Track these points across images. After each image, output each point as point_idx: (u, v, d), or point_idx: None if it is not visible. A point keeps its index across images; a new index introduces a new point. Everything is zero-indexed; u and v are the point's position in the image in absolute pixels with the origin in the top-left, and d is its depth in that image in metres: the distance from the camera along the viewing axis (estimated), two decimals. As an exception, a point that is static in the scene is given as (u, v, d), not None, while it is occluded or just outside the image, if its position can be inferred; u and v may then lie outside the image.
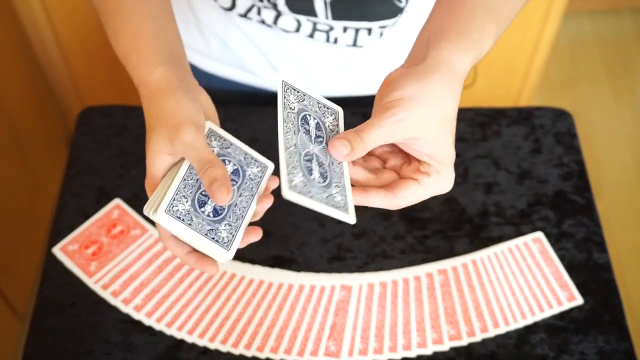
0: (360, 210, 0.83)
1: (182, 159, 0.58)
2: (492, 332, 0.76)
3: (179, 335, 0.75)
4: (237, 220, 0.59)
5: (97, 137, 0.91)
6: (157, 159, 0.58)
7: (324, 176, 0.55)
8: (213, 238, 0.57)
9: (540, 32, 1.54)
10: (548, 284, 0.79)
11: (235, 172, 0.60)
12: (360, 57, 0.86)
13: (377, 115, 0.55)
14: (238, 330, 0.75)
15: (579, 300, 0.78)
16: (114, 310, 0.77)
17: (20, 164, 1.49)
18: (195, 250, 0.59)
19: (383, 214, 0.84)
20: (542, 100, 1.97)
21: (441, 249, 0.82)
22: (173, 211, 0.56)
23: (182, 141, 0.56)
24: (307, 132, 0.57)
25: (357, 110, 0.95)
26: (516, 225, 0.84)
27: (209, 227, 0.57)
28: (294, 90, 0.58)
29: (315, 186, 0.54)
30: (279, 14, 0.77)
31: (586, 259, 0.82)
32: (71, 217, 0.84)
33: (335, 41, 0.80)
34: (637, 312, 1.63)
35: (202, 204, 0.58)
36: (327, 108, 0.60)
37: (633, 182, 1.88)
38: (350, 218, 0.55)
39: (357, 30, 0.79)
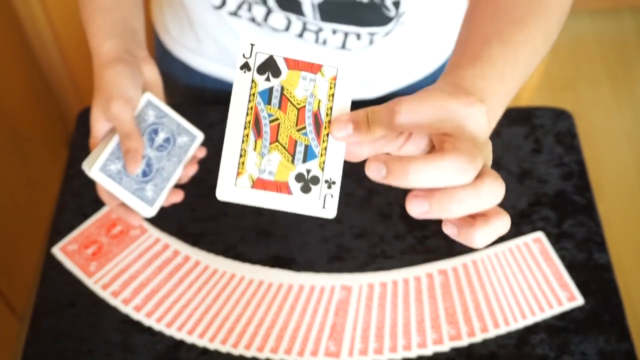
0: (360, 210, 0.83)
1: None
2: (492, 332, 0.76)
3: (178, 335, 0.75)
4: (162, 182, 0.70)
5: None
6: (97, 123, 0.68)
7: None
8: (139, 196, 0.68)
9: (540, 32, 1.54)
10: (548, 284, 0.79)
11: (166, 139, 0.70)
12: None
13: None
14: (238, 331, 0.75)
15: (579, 301, 0.78)
16: (114, 310, 0.77)
17: (20, 164, 1.49)
18: (124, 204, 0.70)
19: (383, 214, 0.84)
20: (543, 100, 1.97)
21: (441, 249, 0.82)
22: (105, 170, 0.66)
23: (110, 112, 0.66)
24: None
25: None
26: (516, 225, 0.84)
27: (136, 186, 0.68)
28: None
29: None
30: (269, 11, 0.77)
31: (587, 259, 0.82)
32: (71, 217, 0.84)
33: (324, 42, 0.80)
34: (637, 312, 1.63)
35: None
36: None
37: (633, 182, 1.88)
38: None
39: (346, 34, 0.79)
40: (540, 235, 0.83)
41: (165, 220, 0.84)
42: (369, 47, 0.82)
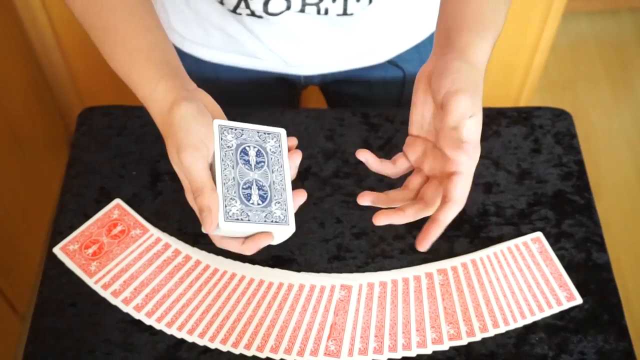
0: (360, 210, 0.83)
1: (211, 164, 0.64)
2: (491, 332, 0.76)
3: (179, 335, 0.75)
4: (282, 195, 0.66)
5: (97, 137, 0.91)
6: (198, 168, 0.63)
7: (263, 197, 0.64)
8: (272, 221, 0.64)
9: (539, 32, 1.54)
10: (547, 283, 0.80)
11: (258, 153, 0.67)
12: (353, 26, 0.87)
13: (449, 104, 0.61)
14: (238, 330, 0.75)
15: (578, 300, 0.79)
16: (115, 310, 0.77)
17: (21, 164, 1.49)
18: (246, 238, 0.65)
19: (383, 214, 0.84)
20: (542, 101, 1.97)
21: (441, 249, 0.82)
22: (229, 216, 0.62)
23: (182, 163, 0.62)
24: (247, 162, 0.66)
25: (357, 110, 0.95)
26: (516, 225, 0.84)
27: (264, 214, 0.64)
28: (232, 129, 0.66)
29: (253, 210, 0.63)
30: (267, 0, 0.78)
31: (585, 259, 0.82)
32: (71, 217, 0.84)
33: (326, 12, 0.81)
34: (636, 311, 1.63)
35: (248, 197, 0.64)
36: (267, 134, 0.68)
37: (632, 182, 1.89)
38: (290, 228, 0.65)
39: None
40: (539, 235, 0.83)
41: (165, 220, 0.84)
42: (369, 8, 0.83)
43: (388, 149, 0.90)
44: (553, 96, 2.05)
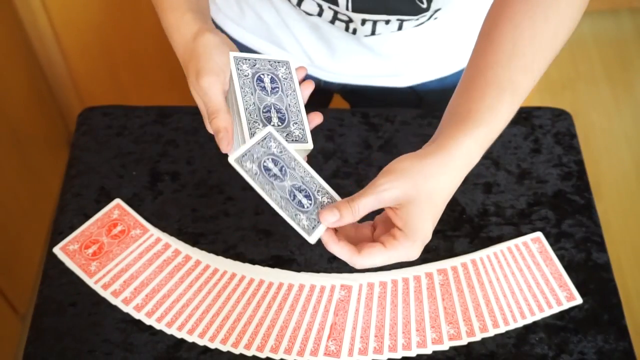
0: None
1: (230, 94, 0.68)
2: (491, 332, 0.76)
3: (179, 335, 0.75)
4: (298, 116, 0.69)
5: (97, 137, 0.91)
6: (217, 94, 0.66)
7: (282, 119, 0.68)
8: (293, 140, 0.67)
9: (539, 33, 1.54)
10: (547, 283, 0.80)
11: (272, 80, 0.70)
12: (381, 47, 0.88)
13: (371, 183, 0.61)
14: (238, 330, 0.75)
15: (578, 300, 0.79)
16: (115, 310, 0.77)
17: (21, 164, 1.49)
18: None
19: (383, 214, 0.85)
20: (542, 101, 1.97)
21: (441, 249, 0.82)
22: (253, 134, 0.65)
23: (200, 87, 0.65)
24: (263, 88, 0.69)
25: (357, 110, 0.95)
26: (516, 225, 0.84)
27: (284, 134, 0.67)
28: (245, 59, 0.69)
29: (276, 128, 0.66)
30: None
31: (585, 259, 0.82)
32: (72, 217, 0.84)
33: (354, 32, 0.82)
34: (636, 311, 1.63)
35: (269, 119, 0.67)
36: (278, 62, 0.71)
37: (632, 182, 1.89)
38: (308, 146, 0.68)
39: (375, 22, 0.79)
40: (539, 235, 0.83)
41: (165, 220, 0.84)
42: (398, 32, 0.83)
43: (388, 149, 0.90)
44: (553, 96, 2.05)
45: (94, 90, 1.67)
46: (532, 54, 0.63)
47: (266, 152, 0.66)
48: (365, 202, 0.60)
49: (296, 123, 0.68)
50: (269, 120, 0.67)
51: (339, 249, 0.61)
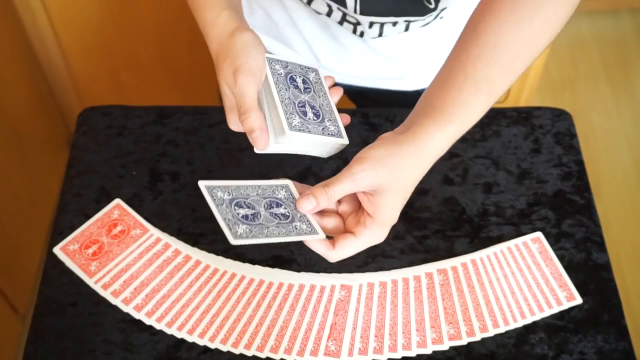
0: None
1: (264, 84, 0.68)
2: (491, 332, 0.76)
3: (179, 335, 0.75)
4: (331, 115, 0.70)
5: (97, 137, 0.91)
6: (227, 94, 0.67)
7: (317, 115, 0.68)
8: (329, 134, 0.68)
9: (539, 33, 1.54)
10: (547, 283, 0.80)
11: (304, 81, 0.71)
12: (388, 49, 0.88)
13: (346, 168, 0.63)
14: (238, 330, 0.75)
15: (578, 300, 0.79)
16: (115, 309, 0.77)
17: (21, 164, 1.49)
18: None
19: (383, 214, 0.84)
20: (542, 101, 1.97)
21: (441, 249, 0.82)
22: (293, 126, 0.66)
23: (237, 84, 0.65)
24: (296, 87, 0.69)
25: (357, 110, 0.95)
26: (516, 225, 0.84)
27: (320, 127, 0.68)
28: (278, 61, 0.70)
29: (311, 123, 0.67)
30: None
31: (585, 259, 0.82)
32: (72, 217, 0.84)
33: (362, 35, 0.82)
34: (636, 311, 1.63)
35: (304, 113, 0.68)
36: (307, 67, 0.72)
37: (632, 181, 1.89)
38: (344, 141, 0.69)
39: (382, 25, 0.80)
40: (539, 235, 0.83)
41: (165, 220, 0.84)
42: (405, 33, 0.83)
43: (388, 149, 0.90)
44: (553, 96, 2.04)
45: (94, 90, 1.67)
46: (514, 53, 0.64)
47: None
48: (342, 188, 0.62)
49: (330, 120, 0.69)
50: (304, 113, 0.67)
51: (316, 245, 0.65)
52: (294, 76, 0.70)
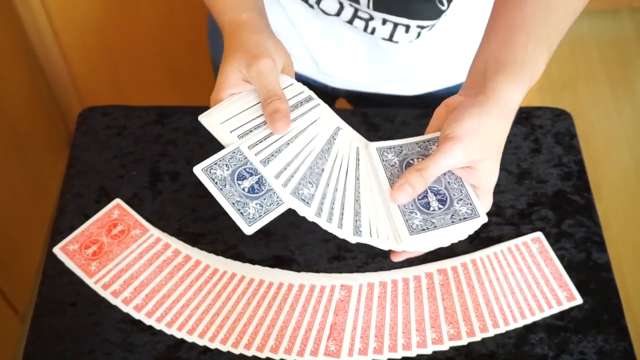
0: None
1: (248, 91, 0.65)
2: (491, 332, 0.76)
3: (179, 335, 0.75)
4: (461, 191, 0.63)
5: (97, 137, 0.91)
6: (231, 75, 0.64)
7: (442, 201, 0.61)
8: (460, 219, 0.61)
9: (539, 32, 1.54)
10: (548, 283, 0.80)
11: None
12: (395, 54, 0.87)
13: (439, 147, 0.60)
14: (238, 330, 0.75)
15: (578, 300, 0.79)
16: (115, 310, 0.77)
17: (21, 164, 1.49)
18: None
19: (383, 214, 0.84)
20: (542, 100, 1.97)
21: (441, 249, 0.82)
22: (413, 229, 0.60)
23: (257, 69, 0.61)
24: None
25: (357, 110, 0.95)
26: (516, 225, 0.84)
27: (448, 216, 0.61)
28: (389, 148, 0.64)
29: (436, 216, 0.60)
30: None
31: (586, 259, 0.82)
32: (71, 217, 0.84)
33: (373, 31, 0.81)
34: (636, 311, 1.63)
35: (426, 205, 0.62)
36: (428, 140, 0.65)
37: (632, 181, 1.89)
38: (482, 219, 0.61)
39: (395, 25, 0.79)
40: (539, 235, 0.83)
41: (165, 220, 0.84)
42: (415, 41, 0.83)
43: (388, 149, 0.90)
44: (553, 96, 2.05)
45: (94, 90, 1.67)
46: (564, 11, 0.65)
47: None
48: (439, 169, 0.60)
49: (461, 200, 0.62)
50: (427, 206, 0.61)
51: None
52: (411, 161, 0.63)
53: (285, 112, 0.62)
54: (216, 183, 0.61)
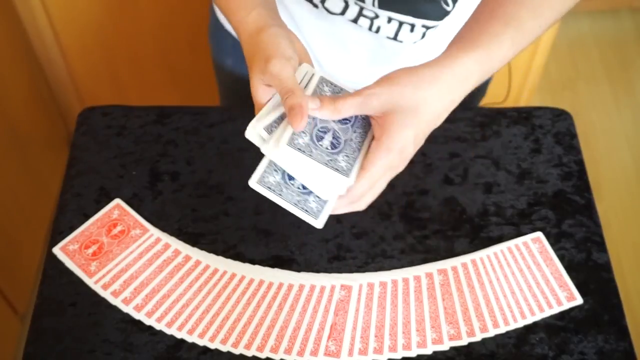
0: (360, 211, 0.82)
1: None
2: (492, 332, 0.76)
3: (179, 335, 0.75)
4: (353, 152, 0.64)
5: (97, 137, 0.91)
6: (258, 91, 0.64)
7: (334, 145, 0.63)
8: (333, 168, 0.62)
9: (539, 32, 1.54)
10: (548, 283, 0.80)
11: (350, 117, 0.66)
12: (399, 54, 0.87)
13: (362, 88, 0.61)
14: (238, 330, 0.75)
15: (578, 300, 0.79)
16: (115, 310, 0.77)
17: (21, 164, 1.49)
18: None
19: (383, 214, 0.84)
20: (542, 100, 1.97)
21: (441, 249, 0.82)
22: (294, 144, 0.61)
23: (269, 71, 0.61)
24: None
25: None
26: (516, 225, 0.84)
27: (328, 158, 0.62)
28: (330, 83, 0.66)
29: (319, 150, 0.62)
30: None
31: (586, 259, 0.82)
32: (71, 217, 0.84)
33: (378, 30, 0.81)
34: (636, 311, 1.63)
35: (319, 138, 0.63)
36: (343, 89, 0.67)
37: (632, 181, 1.89)
38: (348, 181, 0.62)
39: (400, 24, 0.79)
40: (539, 235, 0.83)
41: (165, 220, 0.84)
42: (420, 41, 0.82)
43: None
44: (553, 96, 2.05)
45: (94, 90, 1.67)
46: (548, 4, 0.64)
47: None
48: (351, 103, 0.60)
49: (347, 156, 0.64)
50: (319, 138, 0.63)
51: (339, 201, 0.63)
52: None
53: (299, 108, 0.60)
54: (274, 190, 0.62)
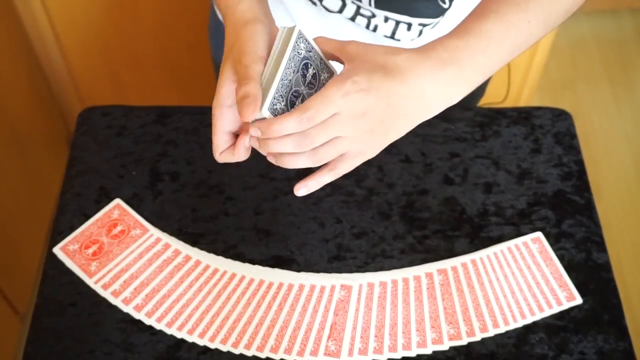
0: (360, 210, 0.83)
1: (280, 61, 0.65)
2: (491, 332, 0.76)
3: (179, 335, 0.75)
4: None
5: (97, 137, 0.91)
6: (224, 85, 0.64)
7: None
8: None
9: (539, 32, 1.54)
10: (547, 283, 0.80)
11: (314, 75, 0.67)
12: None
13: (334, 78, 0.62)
14: (238, 330, 0.75)
15: (578, 300, 0.79)
16: (115, 309, 0.77)
17: (21, 164, 1.49)
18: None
19: (383, 214, 0.85)
20: (542, 101, 1.97)
21: (441, 249, 0.82)
22: (274, 109, 0.62)
23: (240, 64, 0.62)
24: (304, 76, 0.66)
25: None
26: (516, 225, 0.84)
27: None
28: (306, 40, 0.66)
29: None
30: None
31: (585, 259, 0.82)
32: (71, 217, 0.84)
33: (375, 29, 0.81)
34: (636, 311, 1.63)
35: (293, 103, 0.64)
36: (327, 66, 0.68)
37: (632, 182, 1.89)
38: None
39: (397, 23, 0.79)
40: (539, 235, 0.83)
41: (165, 220, 0.84)
42: (417, 39, 0.82)
43: (388, 148, 0.90)
44: (553, 96, 2.04)
45: (94, 90, 1.67)
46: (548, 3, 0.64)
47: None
48: (330, 47, 0.64)
49: None
50: (292, 104, 0.64)
51: (290, 114, 0.61)
52: (309, 64, 0.67)
53: (252, 98, 0.60)
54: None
